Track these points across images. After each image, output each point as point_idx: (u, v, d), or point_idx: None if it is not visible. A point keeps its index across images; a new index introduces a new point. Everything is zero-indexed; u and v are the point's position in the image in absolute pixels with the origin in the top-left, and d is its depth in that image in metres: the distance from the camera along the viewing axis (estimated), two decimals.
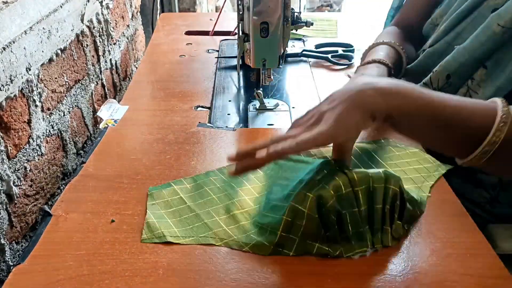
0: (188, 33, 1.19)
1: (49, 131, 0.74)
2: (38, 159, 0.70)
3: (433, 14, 0.79)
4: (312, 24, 0.82)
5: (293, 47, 1.08)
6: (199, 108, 0.82)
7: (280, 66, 0.78)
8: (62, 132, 0.78)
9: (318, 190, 0.50)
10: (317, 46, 1.07)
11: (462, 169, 0.70)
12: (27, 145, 0.67)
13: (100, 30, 0.96)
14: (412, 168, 0.63)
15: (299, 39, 1.14)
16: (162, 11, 1.64)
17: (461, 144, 0.51)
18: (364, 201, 0.51)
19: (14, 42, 0.61)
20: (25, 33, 0.64)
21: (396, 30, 0.87)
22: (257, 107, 0.82)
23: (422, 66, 0.73)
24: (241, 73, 0.96)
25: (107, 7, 1.00)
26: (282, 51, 0.76)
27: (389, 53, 0.77)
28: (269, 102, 0.83)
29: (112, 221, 0.56)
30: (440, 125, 0.51)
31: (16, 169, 0.64)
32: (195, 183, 0.62)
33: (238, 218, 0.56)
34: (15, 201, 0.64)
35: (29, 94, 0.67)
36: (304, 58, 1.03)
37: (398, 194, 0.52)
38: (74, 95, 0.84)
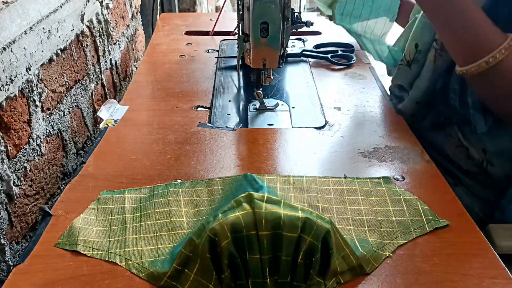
0: (188, 33, 1.19)
1: (49, 131, 0.74)
2: (38, 159, 0.70)
3: None
4: (312, 24, 0.82)
5: (293, 47, 1.08)
6: (199, 108, 0.82)
7: (280, 66, 0.78)
8: (62, 132, 0.78)
9: (216, 224, 0.44)
10: (317, 46, 1.07)
11: (466, 184, 0.71)
12: (27, 145, 0.67)
13: (100, 30, 0.96)
14: (392, 219, 0.55)
15: (299, 39, 1.14)
16: (162, 11, 1.64)
17: (468, 48, 0.59)
18: (269, 249, 0.44)
19: (14, 42, 0.61)
20: (25, 33, 0.64)
21: None
22: (257, 107, 0.82)
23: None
24: (241, 73, 0.96)
25: (107, 7, 1.00)
26: (282, 51, 0.76)
27: None
28: (269, 102, 0.83)
29: None
30: (458, 21, 0.58)
31: (16, 169, 0.64)
32: (149, 194, 0.59)
33: (163, 240, 0.52)
34: (15, 201, 0.64)
35: (29, 94, 0.67)
36: (304, 58, 1.03)
37: (319, 247, 0.44)
38: (74, 95, 0.84)
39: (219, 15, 1.19)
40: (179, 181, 0.62)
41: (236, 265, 0.44)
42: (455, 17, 0.59)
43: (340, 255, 0.47)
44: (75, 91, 0.84)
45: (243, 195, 0.46)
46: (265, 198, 0.46)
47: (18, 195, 0.64)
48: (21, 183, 0.65)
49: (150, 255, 0.51)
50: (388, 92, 0.89)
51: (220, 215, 0.45)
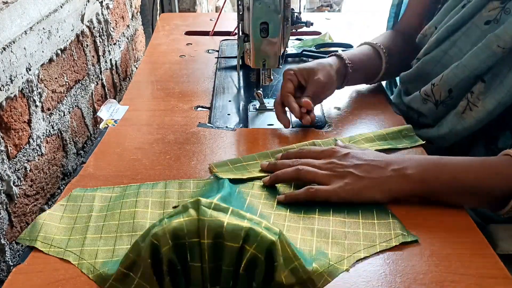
0: (188, 33, 1.19)
1: (49, 131, 0.74)
2: (38, 159, 0.70)
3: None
4: (312, 24, 0.82)
5: (293, 47, 1.08)
6: (199, 108, 0.82)
7: (280, 66, 0.78)
8: (62, 132, 0.78)
9: (159, 229, 0.43)
10: (317, 46, 1.07)
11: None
12: (27, 145, 0.67)
13: (100, 30, 0.97)
14: (359, 232, 0.54)
15: (299, 39, 1.14)
16: (162, 11, 1.64)
17: (489, 203, 0.56)
18: (210, 258, 0.43)
19: (14, 42, 0.61)
20: (25, 33, 0.64)
21: (393, 33, 0.89)
22: (257, 107, 0.82)
23: (419, 73, 0.74)
24: (241, 73, 0.96)
25: (107, 7, 1.00)
26: (282, 51, 0.76)
27: (361, 50, 0.83)
28: (269, 102, 0.83)
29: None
30: (465, 194, 0.56)
31: (16, 169, 0.64)
32: (120, 193, 0.59)
33: (122, 240, 0.51)
34: (15, 201, 0.64)
35: (29, 94, 0.67)
36: (304, 58, 1.03)
37: (262, 259, 0.42)
38: (74, 95, 0.84)
39: (219, 15, 1.19)
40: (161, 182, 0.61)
41: (176, 272, 0.43)
42: (462, 191, 0.56)
43: (288, 268, 0.44)
44: (75, 91, 0.85)
45: (191, 200, 0.45)
46: (213, 205, 0.44)
47: (18, 195, 0.64)
48: (21, 183, 0.65)
49: (105, 255, 0.50)
50: (389, 90, 0.89)
51: (165, 219, 0.44)
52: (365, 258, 0.50)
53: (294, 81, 0.74)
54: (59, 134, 0.77)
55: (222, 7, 1.21)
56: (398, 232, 0.53)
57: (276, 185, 0.61)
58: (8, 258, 0.63)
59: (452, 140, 0.70)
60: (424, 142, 0.68)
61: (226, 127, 0.77)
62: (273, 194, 0.60)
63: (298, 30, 0.84)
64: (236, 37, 0.97)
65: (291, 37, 1.02)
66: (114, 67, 1.07)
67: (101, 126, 0.77)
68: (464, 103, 0.67)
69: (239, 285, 0.43)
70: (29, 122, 0.67)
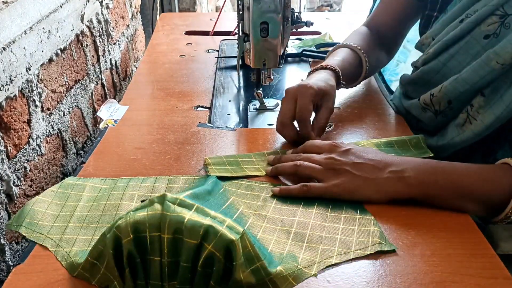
0: (188, 33, 1.19)
1: (49, 131, 0.74)
2: (38, 159, 0.70)
3: (406, 29, 0.85)
4: (312, 24, 0.82)
5: (293, 47, 1.08)
6: (199, 108, 0.82)
7: (280, 66, 0.78)
8: (62, 132, 0.78)
9: (122, 221, 0.44)
10: (317, 46, 1.07)
11: None
12: (27, 145, 0.67)
13: (100, 30, 0.97)
14: (336, 237, 0.53)
15: (299, 39, 1.14)
16: (162, 11, 1.64)
17: (487, 210, 0.57)
18: (169, 253, 0.43)
19: (14, 42, 0.61)
20: (25, 33, 0.64)
21: (366, 31, 0.88)
22: (257, 107, 0.82)
23: (419, 80, 0.74)
24: (241, 73, 0.96)
25: (107, 7, 1.00)
26: (282, 51, 0.76)
27: (346, 57, 0.80)
28: (269, 102, 0.83)
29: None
30: (462, 199, 0.56)
31: (16, 169, 0.64)
32: (110, 185, 0.59)
33: (101, 231, 0.49)
34: (15, 201, 0.64)
35: (29, 94, 0.67)
36: (304, 58, 1.03)
37: (220, 257, 0.42)
38: (74, 95, 0.84)
39: (219, 15, 1.19)
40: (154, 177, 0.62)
41: (134, 265, 0.43)
42: (459, 196, 0.56)
43: (250, 268, 0.44)
44: (75, 91, 0.84)
45: (158, 195, 0.45)
46: (178, 200, 0.45)
47: (18, 195, 0.64)
48: (21, 183, 0.65)
49: (82, 244, 0.51)
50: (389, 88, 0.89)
51: (131, 212, 0.45)
52: (355, 259, 0.50)
53: (314, 101, 0.68)
54: (59, 134, 0.77)
55: (222, 7, 1.21)
56: (376, 241, 0.52)
57: (251, 191, 0.60)
58: (8, 258, 0.63)
59: (450, 151, 0.70)
60: (432, 154, 0.66)
61: (226, 127, 0.77)
62: (259, 195, 0.59)
63: (298, 30, 0.84)
64: (236, 37, 0.98)
65: (291, 37, 1.02)
66: (114, 67, 1.07)
67: (101, 126, 0.77)
68: (464, 116, 0.66)
69: (196, 282, 0.43)
70: (29, 122, 0.67)
